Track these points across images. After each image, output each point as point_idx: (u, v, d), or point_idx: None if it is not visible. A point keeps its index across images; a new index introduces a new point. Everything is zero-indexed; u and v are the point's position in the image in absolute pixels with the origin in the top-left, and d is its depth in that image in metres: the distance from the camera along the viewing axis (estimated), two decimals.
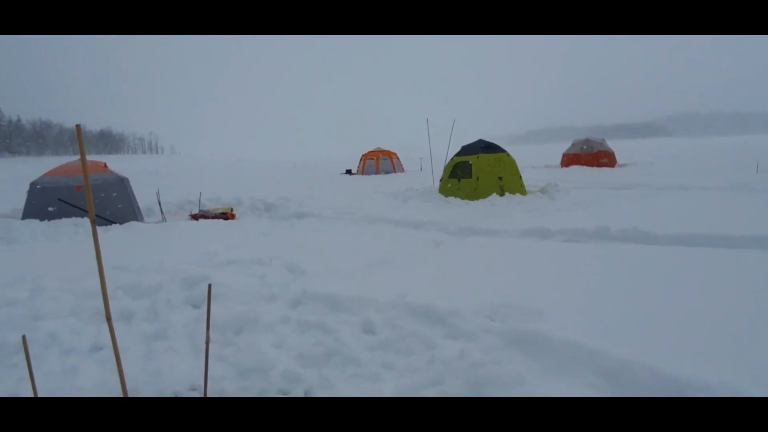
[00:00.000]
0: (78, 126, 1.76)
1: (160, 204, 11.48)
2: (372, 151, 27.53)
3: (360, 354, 3.54)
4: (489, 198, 11.07)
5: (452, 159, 12.64)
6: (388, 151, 27.39)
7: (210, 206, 12.59)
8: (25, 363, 3.61)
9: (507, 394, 2.76)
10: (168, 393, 3.19)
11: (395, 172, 26.46)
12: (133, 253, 6.83)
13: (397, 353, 3.54)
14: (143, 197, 11.97)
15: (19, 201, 11.98)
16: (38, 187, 10.19)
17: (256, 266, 5.79)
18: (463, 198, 11.44)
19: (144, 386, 3.27)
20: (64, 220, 9.69)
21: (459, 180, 12.00)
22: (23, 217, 10.04)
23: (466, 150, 12.36)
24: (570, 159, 23.58)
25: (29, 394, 3.05)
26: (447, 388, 2.95)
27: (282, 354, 3.62)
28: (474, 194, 11.37)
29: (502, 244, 6.61)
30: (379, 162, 26.37)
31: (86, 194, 1.96)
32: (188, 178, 28.35)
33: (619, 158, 23.95)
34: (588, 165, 22.29)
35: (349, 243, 7.18)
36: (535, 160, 30.22)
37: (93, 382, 3.33)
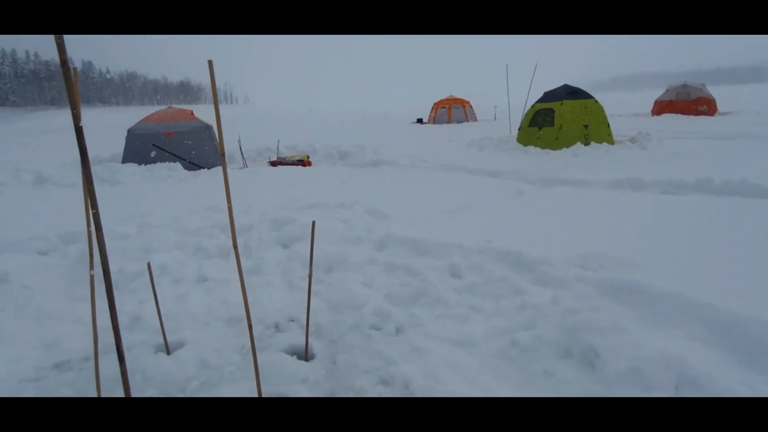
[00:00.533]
0: (210, 61, 1.81)
1: (241, 151, 11.97)
2: (444, 100, 26.80)
3: (448, 296, 3.58)
4: (572, 147, 10.48)
5: (533, 106, 12.01)
6: (460, 100, 26.53)
7: (287, 154, 12.95)
8: (142, 288, 4.01)
9: (606, 342, 2.69)
10: (270, 322, 3.42)
11: (468, 121, 25.70)
12: (222, 196, 7.23)
13: (485, 297, 3.54)
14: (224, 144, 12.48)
15: (117, 146, 12.98)
16: (135, 133, 10.94)
17: (339, 210, 5.94)
18: (543, 147, 10.93)
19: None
20: (158, 164, 10.39)
21: (540, 128, 11.43)
22: (123, 161, 10.88)
23: (549, 96, 11.67)
24: (663, 106, 21.62)
25: (150, 315, 3.39)
26: (541, 332, 2.92)
27: (371, 292, 3.75)
28: (556, 143, 10.81)
29: (589, 195, 6.29)
30: (451, 111, 25.68)
31: (218, 136, 2.00)
32: (263, 126, 29.24)
33: (720, 106, 21.61)
34: (684, 113, 20.35)
35: (428, 190, 7.14)
36: (621, 108, 28.06)
37: (202, 308, 3.64)
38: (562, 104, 11.09)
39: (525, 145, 11.55)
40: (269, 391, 2.54)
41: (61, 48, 1.31)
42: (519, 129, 12.55)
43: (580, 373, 2.68)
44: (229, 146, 12.89)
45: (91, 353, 3.10)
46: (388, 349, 2.97)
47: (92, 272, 2.04)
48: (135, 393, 2.68)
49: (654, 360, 2.48)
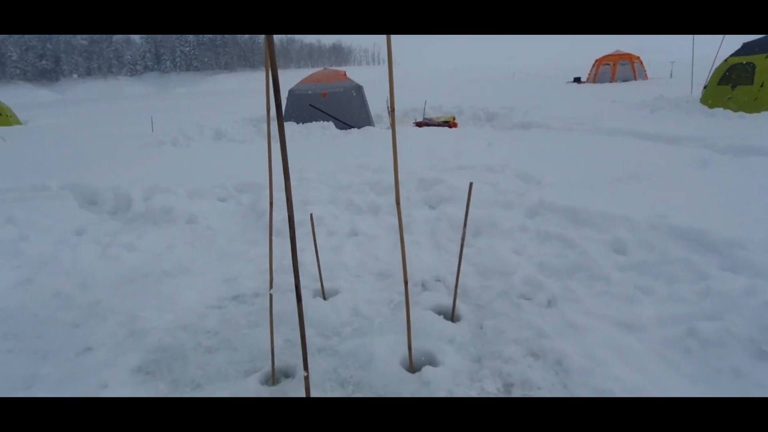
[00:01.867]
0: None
1: (389, 111, 12.20)
2: (608, 55, 24.00)
3: (610, 272, 3.24)
4: None
5: (726, 60, 10.10)
6: (628, 55, 23.48)
7: (433, 114, 12.87)
8: (302, 237, 4.34)
9: None
10: (417, 280, 3.45)
11: (636, 79, 22.76)
12: (372, 154, 7.48)
13: (657, 278, 3.13)
14: (371, 105, 12.81)
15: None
16: (295, 93, 11.78)
17: (487, 173, 5.74)
18: (736, 110, 9.18)
19: (396, 270, 3.60)
20: (314, 123, 11.10)
21: (733, 87, 9.60)
22: (284, 120, 11.84)
23: (750, 48, 9.67)
24: None
25: (309, 262, 3.67)
26: (729, 324, 2.49)
27: (522, 260, 3.56)
28: (754, 105, 9.00)
29: None
30: (616, 68, 22.94)
31: (390, 98, 2.01)
32: (408, 86, 29.47)
33: None
34: None
35: (587, 156, 6.51)
36: None
37: (354, 260, 3.82)
38: (767, 57, 9.12)
39: (711, 107, 9.83)
40: (417, 347, 2.58)
41: None
42: (704, 88, 10.70)
43: None
44: (376, 107, 13.22)
45: (262, 290, 3.47)
46: (540, 321, 2.80)
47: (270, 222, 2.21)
48: (297, 329, 2.93)
49: None
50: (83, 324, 3.10)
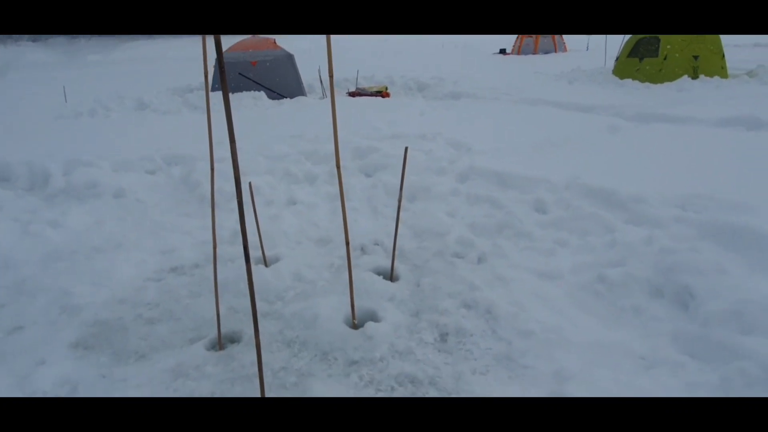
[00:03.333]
0: None
1: (321, 81, 12.04)
2: None
3: (532, 229, 3.55)
4: (677, 81, 9.48)
5: (634, 35, 10.88)
6: None
7: (365, 84, 12.85)
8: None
9: (704, 283, 2.58)
10: (356, 245, 3.58)
11: (556, 51, 23.85)
12: (306, 124, 7.42)
13: (572, 232, 3.47)
14: (303, 74, 12.55)
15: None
16: (226, 62, 11.27)
17: (420, 141, 5.92)
18: (643, 81, 9.98)
19: (335, 236, 3.71)
20: (244, 93, 10.73)
21: (640, 59, 10.39)
22: (212, 90, 11.35)
23: None
24: None
25: (249, 231, 3.68)
26: (631, 269, 2.85)
27: (455, 222, 3.79)
28: (658, 76, 9.82)
29: (694, 133, 5.76)
30: (538, 40, 23.88)
31: (329, 66, 2.03)
32: (340, 57, 28.89)
33: None
34: None
35: (512, 124, 6.87)
36: (741, 38, 24.64)
37: (294, 228, 3.88)
38: None
39: (622, 78, 10.60)
40: (359, 306, 2.72)
41: None
42: (616, 60, 11.49)
43: (672, 312, 2.61)
44: (308, 76, 12.97)
45: (201, 261, 3.45)
46: (471, 276, 3.04)
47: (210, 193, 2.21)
48: (239, 297, 2.98)
49: (758, 303, 2.35)
50: (10, 303, 2.96)
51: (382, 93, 11.26)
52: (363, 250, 3.57)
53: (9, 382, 2.27)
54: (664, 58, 9.87)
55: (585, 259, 3.12)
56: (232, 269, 3.27)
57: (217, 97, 10.54)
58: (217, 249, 3.42)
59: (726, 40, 11.26)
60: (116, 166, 5.36)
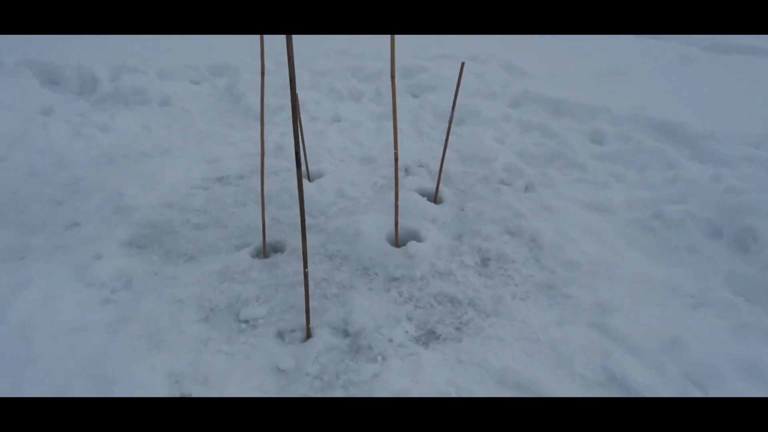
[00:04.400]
0: None
1: None
2: None
3: (586, 160, 3.37)
4: None
5: None
6: None
7: None
8: (284, 122, 4.27)
9: None
10: (401, 165, 3.50)
11: None
12: (351, 39, 7.10)
13: (630, 166, 3.28)
14: None
15: None
16: None
17: (472, 63, 5.59)
18: None
19: (379, 155, 3.64)
20: None
21: None
22: None
23: None
24: None
25: (292, 145, 3.65)
26: (691, 207, 2.69)
27: (503, 148, 3.64)
28: None
29: None
30: None
31: None
32: None
33: None
34: None
35: (574, 48, 6.37)
36: None
37: (338, 145, 3.82)
38: None
39: None
40: (402, 225, 2.70)
41: None
42: None
43: (729, 254, 2.49)
44: None
45: (245, 172, 3.48)
46: (517, 204, 2.95)
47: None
48: (283, 209, 3.01)
49: None
50: (66, 201, 3.09)
51: None
52: (407, 170, 3.50)
53: (68, 272, 2.41)
54: None
55: (641, 195, 2.96)
56: (276, 182, 3.28)
57: None
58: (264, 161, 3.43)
59: None
60: (162, 74, 5.33)
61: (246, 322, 2.14)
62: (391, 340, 2.02)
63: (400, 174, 3.42)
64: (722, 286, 2.29)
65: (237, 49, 6.27)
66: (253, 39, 7.32)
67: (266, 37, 2.71)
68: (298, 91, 4.71)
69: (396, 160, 2.35)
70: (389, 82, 4.49)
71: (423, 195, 3.11)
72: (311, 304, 2.20)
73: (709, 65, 5.37)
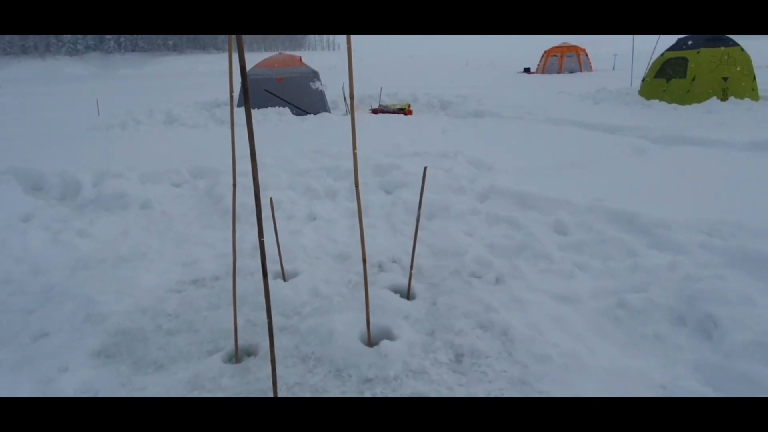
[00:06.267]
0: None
1: (345, 98, 12.21)
2: (556, 47, 24.86)
3: (552, 251, 3.51)
4: (706, 103, 9.32)
5: (662, 55, 10.76)
6: (574, 47, 24.43)
7: (388, 102, 12.98)
8: (263, 221, 4.39)
9: (730, 312, 2.51)
10: (374, 262, 3.59)
11: (581, 71, 23.73)
12: (328, 140, 7.53)
13: (593, 256, 3.42)
14: (327, 91, 12.76)
15: (236, 92, 13.86)
16: (249, 78, 11.56)
17: (441, 159, 5.94)
18: (670, 102, 9.84)
19: (353, 252, 3.74)
20: (269, 108, 10.96)
21: (668, 80, 10.26)
22: (238, 105, 11.63)
23: (683, 43, 10.35)
24: None
25: (269, 245, 3.74)
26: (653, 296, 2.79)
27: (473, 241, 3.78)
28: (686, 97, 9.67)
29: (723, 157, 5.64)
30: (563, 59, 23.83)
31: (350, 85, 2.10)
32: (365, 74, 29.36)
33: None
34: None
35: (535, 144, 6.85)
36: None
37: (313, 243, 3.93)
38: (698, 53, 9.80)
39: (648, 98, 10.48)
40: (375, 323, 2.73)
41: None
42: (642, 80, 11.38)
43: (695, 342, 2.55)
44: (332, 93, 13.18)
45: (222, 273, 3.52)
46: (488, 297, 3.02)
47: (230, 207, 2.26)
48: (258, 310, 3.02)
49: None
50: (38, 309, 3.06)
51: (405, 111, 11.36)
52: (380, 267, 3.58)
53: (33, 387, 2.34)
54: (693, 79, 9.73)
55: (605, 284, 3.07)
56: (252, 282, 3.32)
57: (242, 112, 10.79)
58: (238, 262, 3.48)
59: (757, 61, 11.05)
60: (144, 178, 5.52)
61: None
62: None
63: (374, 270, 3.50)
64: (690, 375, 2.32)
65: (220, 153, 6.57)
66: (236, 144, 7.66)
67: (244, 137, 2.88)
68: (274, 191, 4.91)
69: (364, 261, 2.44)
70: (363, 180, 4.68)
71: (396, 291, 3.17)
72: None
73: (660, 156, 5.80)
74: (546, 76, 22.34)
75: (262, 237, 1.67)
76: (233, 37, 1.54)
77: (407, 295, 3.15)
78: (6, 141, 8.07)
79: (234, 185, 2.45)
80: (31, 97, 19.43)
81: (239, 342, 2.64)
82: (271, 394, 2.22)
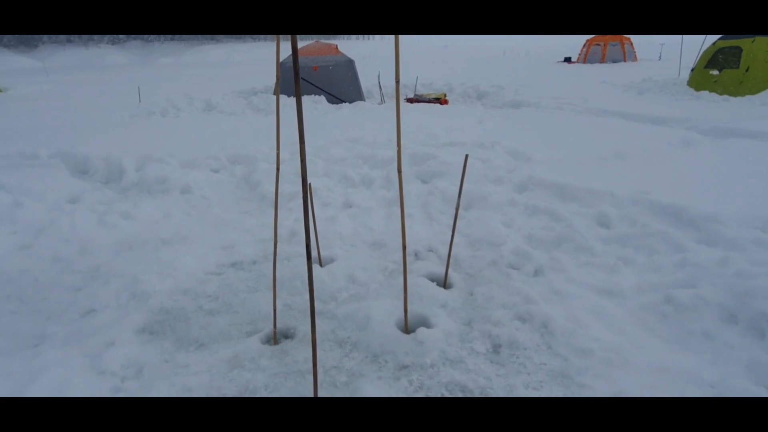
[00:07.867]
0: None
1: (380, 86, 12.16)
2: (599, 36, 24.00)
3: (594, 244, 3.40)
4: (760, 94, 8.82)
5: (714, 44, 10.24)
6: (619, 36, 23.51)
7: (423, 91, 12.86)
8: (297, 208, 4.43)
9: None
10: (410, 250, 3.57)
11: (625, 61, 22.85)
12: (364, 128, 7.52)
13: (638, 250, 3.30)
14: (363, 80, 12.74)
15: (270, 79, 14.04)
16: (286, 66, 11.65)
17: (478, 150, 5.84)
18: (721, 93, 9.37)
19: (389, 240, 3.73)
20: (305, 97, 11.03)
21: (719, 70, 9.77)
22: (275, 93, 11.75)
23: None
24: None
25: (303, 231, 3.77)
26: (702, 292, 2.67)
27: (511, 232, 3.71)
28: (739, 89, 9.18)
29: None
30: (606, 48, 22.98)
31: (396, 72, 2.08)
32: (400, 63, 28.96)
33: None
34: None
35: (576, 134, 6.65)
36: None
37: (349, 230, 3.93)
38: (753, 42, 9.27)
39: (698, 89, 10.00)
40: (412, 310, 2.72)
41: None
42: (691, 70, 10.87)
43: (746, 340, 2.43)
44: (367, 82, 13.14)
45: (259, 258, 3.57)
46: (527, 288, 2.95)
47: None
48: (294, 294, 3.05)
49: None
50: (85, 287, 3.18)
51: (441, 100, 11.23)
52: (417, 255, 3.56)
53: (81, 360, 2.44)
54: (746, 70, 9.22)
55: (651, 279, 2.96)
56: (288, 267, 3.36)
57: (282, 100, 10.89)
58: (277, 248, 3.53)
59: None
60: (184, 163, 5.65)
61: None
62: None
63: (410, 259, 3.48)
64: (742, 375, 2.22)
65: (256, 140, 6.66)
66: (271, 132, 7.76)
67: (281, 128, 2.91)
68: (311, 179, 4.94)
69: (404, 247, 2.42)
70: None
71: (432, 280, 3.14)
72: (320, 393, 2.17)
73: (709, 148, 5.54)
74: (587, 66, 21.63)
75: (308, 220, 1.67)
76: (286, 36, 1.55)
77: (444, 284, 3.12)
78: (53, 127, 8.40)
79: (278, 169, 2.46)
80: (75, 85, 20.18)
81: (277, 325, 2.67)
82: (309, 376, 2.24)
